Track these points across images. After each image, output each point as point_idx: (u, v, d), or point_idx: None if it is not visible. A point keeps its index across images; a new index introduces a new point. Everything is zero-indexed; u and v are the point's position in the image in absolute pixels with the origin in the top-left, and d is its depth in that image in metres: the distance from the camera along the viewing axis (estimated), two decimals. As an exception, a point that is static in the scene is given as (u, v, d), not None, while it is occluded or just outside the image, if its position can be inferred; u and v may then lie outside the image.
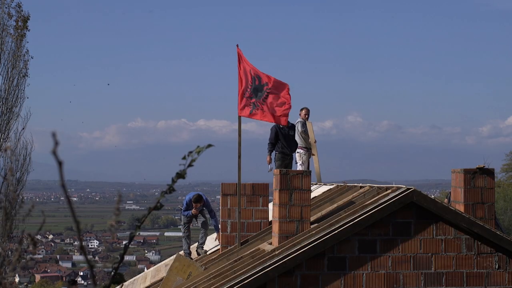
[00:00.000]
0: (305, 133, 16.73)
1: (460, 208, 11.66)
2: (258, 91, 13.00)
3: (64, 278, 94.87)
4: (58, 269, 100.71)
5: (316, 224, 11.49)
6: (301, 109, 17.08)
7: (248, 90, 12.99)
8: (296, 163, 16.73)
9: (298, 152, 16.70)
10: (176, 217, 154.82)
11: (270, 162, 16.45)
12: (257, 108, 12.97)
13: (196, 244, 14.99)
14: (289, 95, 13.04)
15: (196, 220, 14.52)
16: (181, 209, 14.57)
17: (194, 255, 14.45)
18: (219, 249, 13.70)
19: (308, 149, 16.77)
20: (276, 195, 11.75)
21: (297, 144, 16.63)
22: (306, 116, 16.93)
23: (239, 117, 13.04)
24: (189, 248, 14.44)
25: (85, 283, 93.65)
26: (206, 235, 14.58)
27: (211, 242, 15.43)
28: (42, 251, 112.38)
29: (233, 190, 13.31)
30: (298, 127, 16.68)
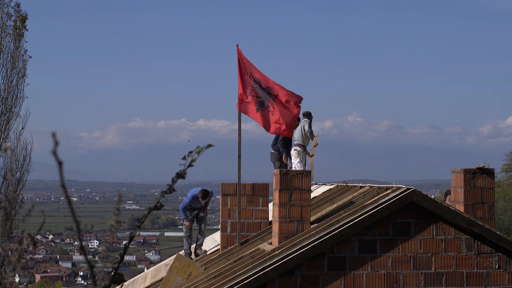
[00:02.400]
0: (311, 134, 16.60)
1: (460, 208, 11.66)
2: (264, 93, 13.00)
3: (64, 278, 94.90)
4: (58, 269, 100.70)
5: (316, 224, 11.49)
6: (307, 114, 16.87)
7: (254, 88, 12.97)
8: (292, 161, 16.58)
9: (295, 150, 16.54)
10: (175, 217, 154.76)
11: (287, 161, 16.39)
12: (265, 109, 12.93)
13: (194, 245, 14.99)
14: (299, 107, 13.03)
15: (196, 221, 14.51)
16: (182, 208, 14.49)
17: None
18: (219, 249, 13.71)
19: (305, 148, 16.65)
20: (276, 195, 11.75)
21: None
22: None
23: (239, 116, 13.03)
24: (190, 248, 14.44)
25: (85, 283, 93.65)
26: (203, 236, 14.58)
27: (212, 242, 15.44)
28: (42, 251, 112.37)
29: (233, 190, 13.31)
30: (305, 126, 16.53)
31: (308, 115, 16.82)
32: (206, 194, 14.29)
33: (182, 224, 14.91)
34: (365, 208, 11.10)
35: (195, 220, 14.53)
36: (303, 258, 10.70)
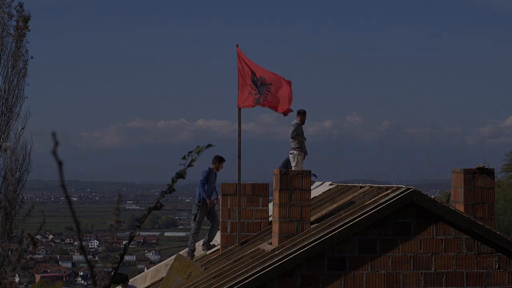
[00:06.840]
0: (299, 136, 16.24)
1: (460, 208, 11.67)
2: (262, 89, 13.02)
3: (64, 278, 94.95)
4: (58, 269, 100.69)
5: (316, 224, 11.49)
6: (300, 112, 16.46)
7: (251, 85, 13.01)
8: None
9: (291, 153, 16.39)
10: (176, 217, 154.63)
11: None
12: (261, 101, 12.97)
13: (201, 241, 14.95)
14: (290, 90, 13.03)
15: (208, 219, 14.47)
16: (203, 182, 14.25)
17: (198, 252, 14.45)
18: (219, 249, 13.72)
19: (301, 149, 16.45)
20: (276, 195, 11.76)
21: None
22: (302, 120, 16.38)
23: (239, 116, 13.05)
24: (194, 245, 14.42)
25: (85, 283, 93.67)
26: (215, 232, 14.49)
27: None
28: (42, 251, 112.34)
29: (233, 190, 13.32)
30: (291, 130, 16.22)
31: (301, 114, 16.28)
32: (221, 158, 14.40)
33: (193, 220, 14.56)
34: (365, 208, 11.11)
35: (204, 217, 14.46)
36: (303, 258, 10.70)
